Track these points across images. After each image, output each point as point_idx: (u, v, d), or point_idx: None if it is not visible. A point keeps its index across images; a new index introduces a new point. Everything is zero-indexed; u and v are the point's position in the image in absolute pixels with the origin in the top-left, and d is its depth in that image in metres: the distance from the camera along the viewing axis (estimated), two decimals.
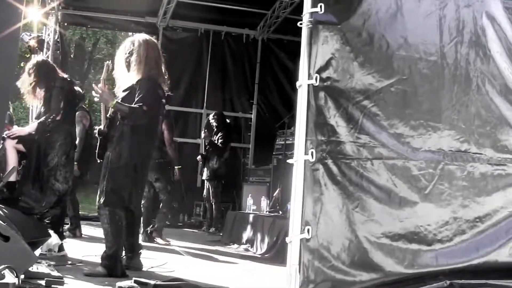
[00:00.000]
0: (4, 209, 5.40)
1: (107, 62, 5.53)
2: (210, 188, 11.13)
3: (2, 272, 3.66)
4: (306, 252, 3.76)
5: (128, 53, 5.50)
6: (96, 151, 5.65)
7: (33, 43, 9.22)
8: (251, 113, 13.75)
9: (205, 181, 11.36)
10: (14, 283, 3.65)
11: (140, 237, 7.87)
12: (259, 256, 7.65)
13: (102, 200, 5.37)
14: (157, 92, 5.51)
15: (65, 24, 13.51)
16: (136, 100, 5.28)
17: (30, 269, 4.61)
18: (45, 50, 11.55)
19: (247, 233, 8.60)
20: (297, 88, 3.91)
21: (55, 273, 4.74)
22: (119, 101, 5.37)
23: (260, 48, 13.81)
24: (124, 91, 5.52)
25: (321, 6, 3.80)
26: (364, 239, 3.79)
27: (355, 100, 3.87)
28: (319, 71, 3.84)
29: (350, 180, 3.82)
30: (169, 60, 13.38)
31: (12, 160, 6.17)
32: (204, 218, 12.11)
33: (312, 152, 3.80)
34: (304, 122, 3.86)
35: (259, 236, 8.07)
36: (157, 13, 13.15)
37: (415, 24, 3.95)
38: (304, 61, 3.89)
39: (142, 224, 5.92)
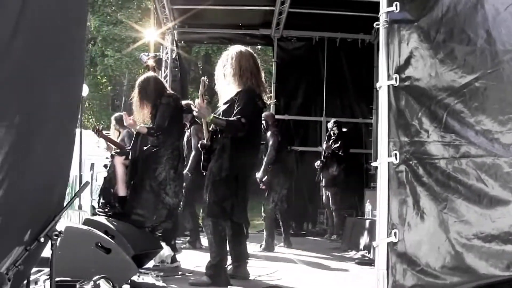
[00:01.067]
0: (115, 223, 5.70)
1: (203, 78, 5.69)
2: (329, 195, 11.12)
3: (98, 282, 3.87)
4: (394, 256, 3.69)
5: (224, 66, 5.64)
6: (201, 163, 5.83)
7: (151, 62, 9.65)
8: (371, 118, 13.55)
9: (324, 188, 11.35)
10: None
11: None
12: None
13: (205, 212, 5.53)
14: (255, 103, 5.58)
15: (182, 42, 14.00)
16: (234, 112, 5.39)
17: (135, 279, 4.83)
18: (163, 68, 12.03)
19: (364, 239, 8.49)
20: (377, 89, 3.86)
21: (160, 283, 4.94)
22: (220, 113, 5.51)
23: (376, 52, 13.60)
24: (224, 103, 5.64)
25: (396, 5, 3.75)
26: (454, 241, 3.65)
27: (437, 98, 3.75)
28: (398, 71, 3.77)
29: (436, 181, 3.70)
30: (286, 70, 13.74)
31: (121, 176, 6.48)
32: (327, 225, 12.08)
33: (395, 154, 3.74)
34: (386, 123, 3.81)
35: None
36: (271, 24, 13.38)
37: (497, 15, 3.75)
38: (383, 62, 3.84)
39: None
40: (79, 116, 11.98)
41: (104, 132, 8.00)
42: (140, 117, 6.55)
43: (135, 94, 6.61)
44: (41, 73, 3.14)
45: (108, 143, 8.36)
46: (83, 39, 3.70)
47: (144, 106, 6.54)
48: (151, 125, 6.45)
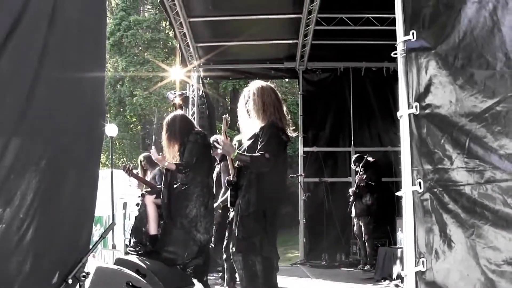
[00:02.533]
0: (146, 261, 5.74)
1: (225, 116, 5.74)
2: (361, 225, 11.07)
3: None
4: (422, 285, 3.67)
5: (247, 103, 5.68)
6: (228, 200, 5.86)
7: (178, 100, 9.77)
8: (400, 146, 13.40)
9: (355, 218, 11.30)
10: None
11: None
12: None
13: (234, 248, 5.53)
14: (279, 138, 5.60)
15: (208, 79, 14.15)
16: (258, 148, 5.41)
17: None
18: (190, 106, 12.15)
19: (397, 269, 8.39)
20: (398, 118, 3.86)
21: None
22: (245, 149, 5.54)
23: None
24: (249, 139, 5.67)
25: (413, 33, 3.77)
26: (484, 268, 3.59)
27: (459, 125, 3.73)
28: (418, 99, 3.79)
29: (462, 207, 3.67)
30: (312, 102, 13.75)
31: (152, 214, 6.54)
32: (360, 256, 11.98)
33: (419, 182, 3.74)
34: (409, 152, 3.83)
35: None
36: (295, 57, 13.46)
37: None
38: (402, 91, 3.87)
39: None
40: (110, 156, 12.19)
41: (134, 171, 8.08)
42: (170, 155, 6.60)
43: (163, 133, 6.69)
44: (64, 119, 3.22)
45: (139, 181, 8.43)
46: (102, 83, 3.77)
47: (173, 144, 6.60)
48: (179, 162, 6.50)
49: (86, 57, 3.44)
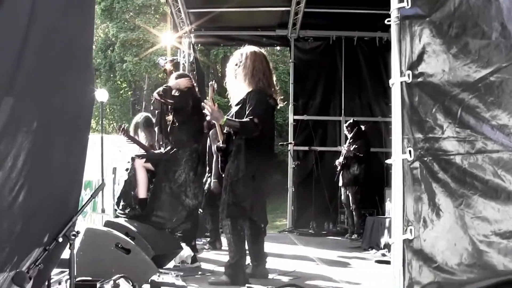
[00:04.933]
0: (135, 224, 5.78)
1: (211, 82, 5.73)
2: (349, 194, 11.13)
3: (117, 281, 3.92)
4: (409, 253, 3.68)
5: (236, 65, 5.66)
6: (219, 166, 5.88)
7: (168, 66, 9.59)
8: (391, 117, 13.41)
9: (342, 187, 11.37)
10: None
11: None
12: None
13: (224, 212, 5.56)
14: (267, 103, 5.59)
15: (199, 45, 14.06)
16: (246, 113, 5.41)
17: (155, 279, 4.88)
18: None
19: (385, 238, 8.45)
20: (390, 86, 3.85)
21: (179, 282, 4.97)
22: (233, 115, 5.54)
23: None
24: (236, 105, 5.66)
25: (407, 1, 3.73)
26: (471, 238, 3.61)
27: (452, 94, 3.71)
28: (411, 68, 3.76)
29: (452, 177, 3.67)
30: (303, 70, 13.74)
31: (142, 178, 6.54)
32: (348, 224, 12.06)
33: (410, 151, 3.73)
34: (400, 120, 3.82)
35: None
36: (287, 25, 13.38)
37: None
38: (395, 59, 3.85)
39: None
40: (100, 122, 12.13)
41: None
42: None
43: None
44: (54, 82, 3.21)
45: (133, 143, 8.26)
46: (91, 48, 3.75)
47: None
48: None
49: (73, 21, 3.41)
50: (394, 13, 3.79)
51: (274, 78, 5.82)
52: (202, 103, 5.75)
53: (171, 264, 6.25)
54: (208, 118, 5.63)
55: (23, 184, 2.99)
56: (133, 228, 5.65)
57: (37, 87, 3.05)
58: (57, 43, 3.23)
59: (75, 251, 3.27)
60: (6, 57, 2.83)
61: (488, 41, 3.72)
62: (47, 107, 3.16)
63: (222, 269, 5.77)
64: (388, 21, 3.82)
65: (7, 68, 2.83)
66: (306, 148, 13.34)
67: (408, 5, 3.72)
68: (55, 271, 4.22)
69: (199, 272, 6.06)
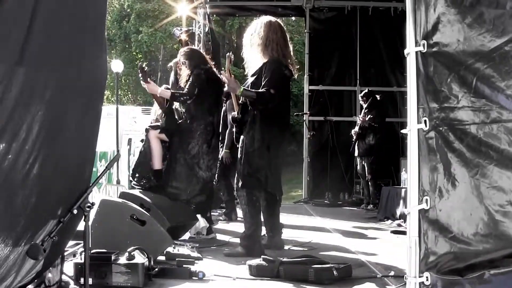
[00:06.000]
0: (150, 195, 5.80)
1: (228, 53, 5.70)
2: (364, 164, 11.11)
3: (132, 253, 3.94)
4: (425, 223, 3.66)
5: (252, 35, 5.64)
6: (234, 136, 5.88)
7: (184, 37, 9.62)
8: (406, 87, 13.32)
9: (358, 157, 11.34)
10: (143, 263, 3.91)
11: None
12: None
13: (239, 183, 5.57)
14: (283, 73, 5.57)
15: (214, 15, 14.00)
16: (263, 84, 5.39)
17: (170, 250, 4.91)
18: (196, 42, 12.06)
19: (400, 208, 8.46)
20: (405, 56, 3.82)
21: (195, 254, 5.01)
22: (249, 86, 5.53)
23: None
24: (252, 75, 5.65)
25: None
26: (487, 207, 3.59)
27: (467, 64, 3.67)
28: (426, 37, 3.71)
29: (467, 146, 3.64)
30: (318, 41, 13.66)
31: (156, 149, 6.57)
32: (363, 195, 12.07)
33: (425, 121, 3.69)
34: (415, 90, 3.78)
35: None
36: None
37: None
38: (410, 28, 3.79)
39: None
40: (116, 92, 12.17)
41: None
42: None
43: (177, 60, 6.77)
44: (67, 52, 3.18)
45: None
46: (104, 16, 3.73)
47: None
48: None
49: None
50: None
51: (291, 49, 5.77)
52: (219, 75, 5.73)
53: (186, 236, 6.29)
54: (225, 89, 5.63)
55: (37, 156, 2.98)
56: (148, 200, 5.67)
57: (49, 57, 3.03)
58: (70, 12, 3.20)
59: (90, 223, 3.28)
60: (17, 27, 2.81)
61: (503, 11, 3.66)
62: (60, 77, 3.14)
63: (237, 240, 5.80)
64: None
65: (18, 38, 2.81)
66: (322, 118, 13.31)
67: None
68: (70, 243, 4.26)
69: (215, 244, 6.10)
